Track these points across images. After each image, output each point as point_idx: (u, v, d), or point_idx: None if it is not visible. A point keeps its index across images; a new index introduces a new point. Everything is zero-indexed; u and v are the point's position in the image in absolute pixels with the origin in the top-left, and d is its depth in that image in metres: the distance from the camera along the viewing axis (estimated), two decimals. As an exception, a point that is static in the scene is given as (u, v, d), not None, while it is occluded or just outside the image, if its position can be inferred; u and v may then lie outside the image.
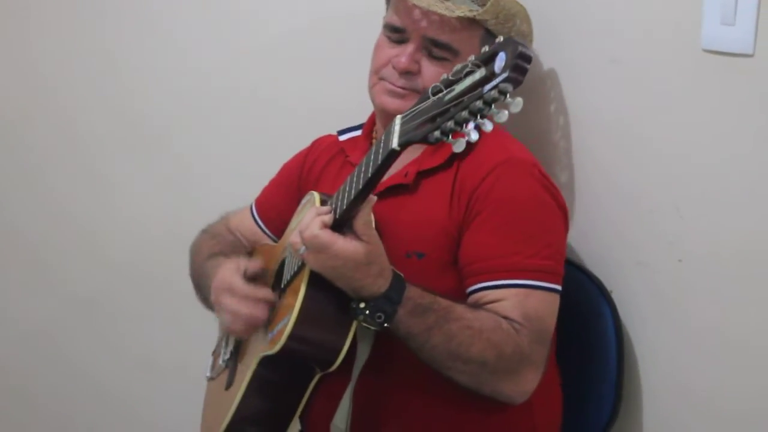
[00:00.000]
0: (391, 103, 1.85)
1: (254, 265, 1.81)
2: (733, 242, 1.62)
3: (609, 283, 1.92)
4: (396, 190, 1.81)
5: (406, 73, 1.83)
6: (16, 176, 2.69)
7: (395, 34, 1.86)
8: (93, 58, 2.57)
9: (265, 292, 1.75)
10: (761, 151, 1.55)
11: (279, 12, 2.41)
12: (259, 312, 1.73)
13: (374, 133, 1.97)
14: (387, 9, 1.92)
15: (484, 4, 1.82)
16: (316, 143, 2.08)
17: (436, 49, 1.83)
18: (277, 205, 2.07)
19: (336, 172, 1.96)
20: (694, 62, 1.64)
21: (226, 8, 2.47)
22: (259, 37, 2.45)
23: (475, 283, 1.72)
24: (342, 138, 2.02)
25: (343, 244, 1.57)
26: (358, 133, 2.00)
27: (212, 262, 1.91)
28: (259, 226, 2.09)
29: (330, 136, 2.05)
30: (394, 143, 1.45)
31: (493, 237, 1.72)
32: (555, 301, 1.74)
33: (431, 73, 1.82)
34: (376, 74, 1.88)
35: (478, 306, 1.70)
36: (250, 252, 2.07)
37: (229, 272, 1.79)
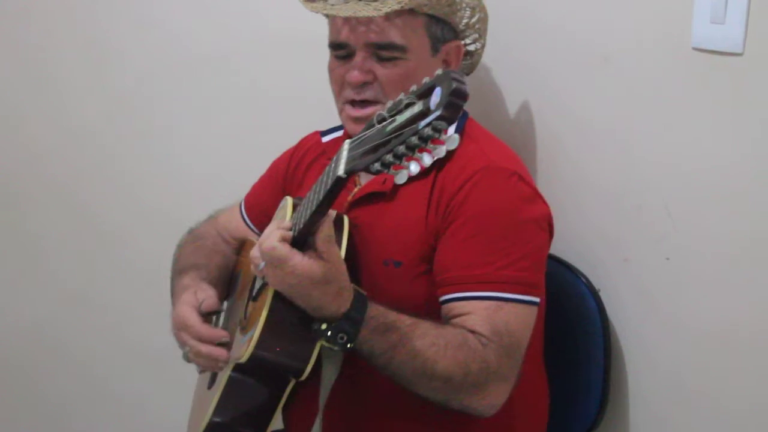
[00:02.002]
0: (359, 129, 1.83)
1: (210, 302, 1.79)
2: (721, 240, 1.62)
3: (597, 282, 1.92)
4: (374, 196, 1.80)
5: (362, 85, 1.81)
6: (16, 172, 2.71)
7: (340, 50, 1.84)
8: (91, 57, 2.59)
9: (221, 334, 1.73)
10: (750, 149, 1.56)
11: (274, 10, 2.41)
12: (219, 353, 1.71)
13: None
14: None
15: None
16: (302, 142, 2.07)
17: (382, 51, 1.80)
18: (263, 203, 2.06)
19: (318, 176, 1.95)
20: (684, 60, 1.64)
21: (223, 5, 2.48)
22: (253, 36, 2.46)
23: (446, 294, 1.70)
24: (325, 139, 2.00)
25: (300, 260, 1.54)
26: (340, 134, 1.98)
27: (180, 282, 1.90)
28: (247, 224, 2.08)
29: (315, 134, 2.04)
30: (341, 170, 1.45)
31: (465, 247, 1.70)
32: (529, 313, 1.71)
33: (386, 76, 1.80)
34: (339, 98, 1.86)
35: (447, 319, 1.68)
36: (239, 248, 2.07)
37: (186, 309, 1.77)
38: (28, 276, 2.77)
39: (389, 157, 1.36)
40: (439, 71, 1.37)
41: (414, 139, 1.33)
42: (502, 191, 1.73)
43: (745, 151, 1.56)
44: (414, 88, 1.39)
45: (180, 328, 1.77)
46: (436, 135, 1.32)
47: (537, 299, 1.72)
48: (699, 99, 1.64)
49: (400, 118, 1.37)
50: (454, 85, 1.31)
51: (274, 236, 1.56)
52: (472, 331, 1.65)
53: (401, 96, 1.40)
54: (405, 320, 1.62)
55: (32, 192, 2.70)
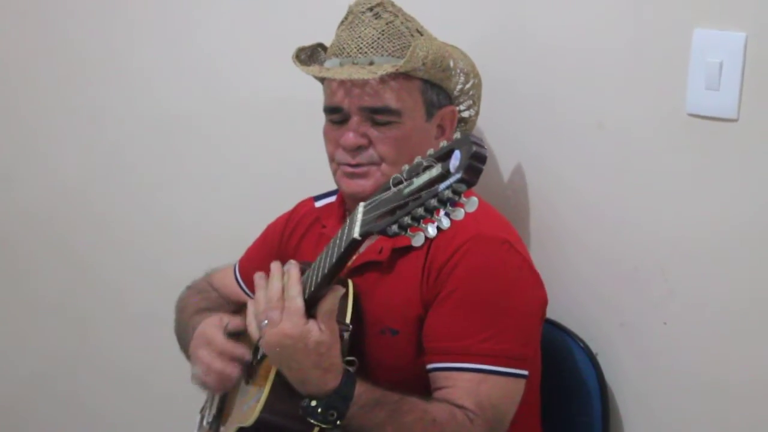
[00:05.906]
0: (355, 185, 1.82)
1: (236, 322, 1.79)
2: (718, 304, 1.63)
3: (594, 346, 1.91)
4: (371, 266, 1.79)
5: (357, 149, 1.81)
6: (14, 230, 2.76)
7: (335, 115, 1.84)
8: (81, 116, 2.62)
9: (242, 351, 1.74)
10: (745, 213, 1.57)
11: (266, 73, 2.44)
12: (231, 370, 1.72)
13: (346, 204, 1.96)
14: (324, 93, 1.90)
15: (404, 56, 1.79)
16: (297, 208, 2.06)
17: (377, 116, 1.80)
18: (257, 268, 2.04)
19: (314, 244, 1.93)
20: (679, 126, 1.65)
21: (218, 67, 2.50)
22: (244, 97, 2.47)
23: (430, 363, 1.69)
24: (318, 204, 2.00)
25: (305, 321, 1.55)
26: (333, 199, 1.98)
27: (197, 318, 1.90)
28: (242, 288, 2.07)
29: (309, 201, 2.04)
30: (356, 233, 1.45)
31: (450, 317, 1.69)
32: (513, 386, 1.69)
33: (381, 140, 1.80)
34: (333, 161, 1.86)
35: (433, 390, 1.67)
36: (236, 310, 2.06)
37: (210, 326, 1.78)
38: (28, 331, 2.81)
39: (407, 220, 1.36)
40: (457, 134, 1.37)
41: (433, 202, 1.33)
42: (490, 260, 1.72)
43: (740, 216, 1.57)
44: (431, 151, 1.39)
45: (202, 342, 1.77)
46: (456, 198, 1.32)
47: (523, 371, 1.69)
48: (694, 164, 1.66)
49: (418, 181, 1.37)
50: (474, 148, 1.31)
51: (294, 289, 1.56)
52: (459, 406, 1.63)
53: (419, 159, 1.39)
54: (392, 396, 1.61)
55: (30, 249, 2.76)
